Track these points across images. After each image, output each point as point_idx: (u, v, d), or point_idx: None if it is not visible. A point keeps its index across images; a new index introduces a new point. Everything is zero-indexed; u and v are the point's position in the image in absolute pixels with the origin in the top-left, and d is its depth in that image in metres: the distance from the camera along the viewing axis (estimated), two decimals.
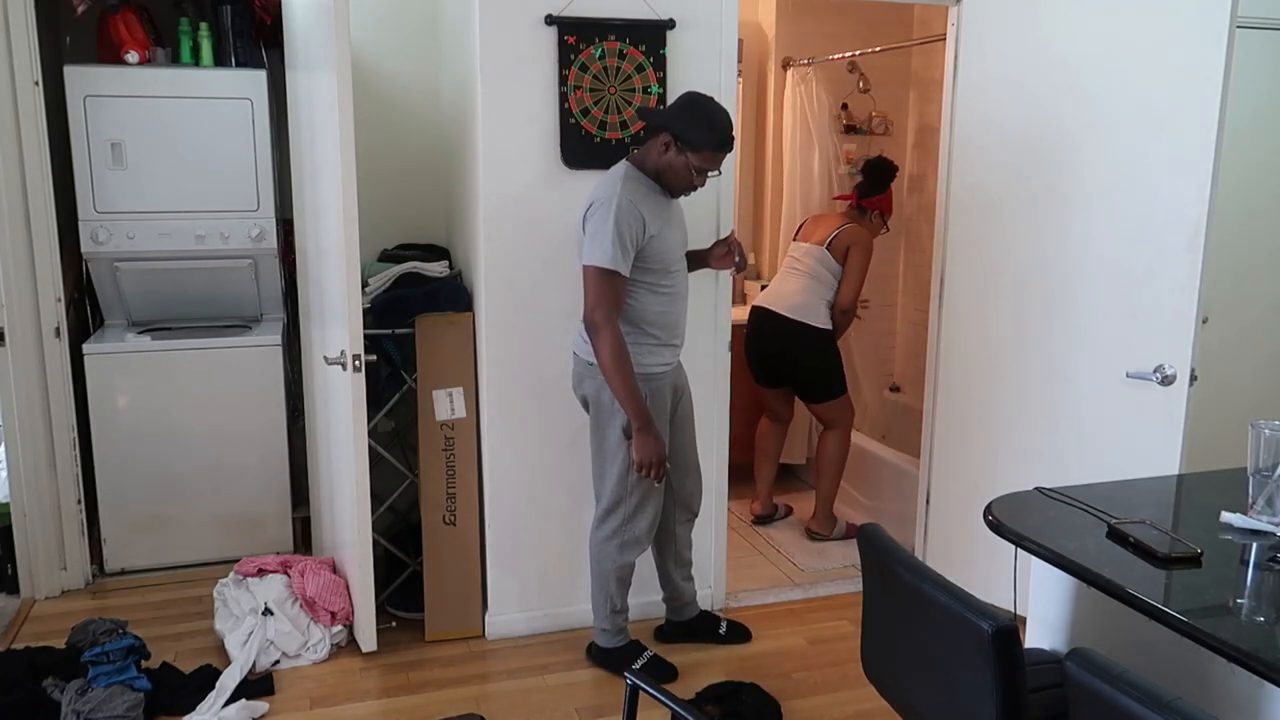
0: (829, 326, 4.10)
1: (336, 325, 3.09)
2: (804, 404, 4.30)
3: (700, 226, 3.32)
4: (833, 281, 4.10)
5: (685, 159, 2.81)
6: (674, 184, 2.89)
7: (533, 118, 3.12)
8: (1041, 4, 3.20)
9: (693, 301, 3.35)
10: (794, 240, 4.29)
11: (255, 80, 3.75)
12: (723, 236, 3.25)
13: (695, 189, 2.92)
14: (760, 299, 4.27)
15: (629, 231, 2.76)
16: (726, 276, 3.41)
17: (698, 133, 2.79)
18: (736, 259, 3.17)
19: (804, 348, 4.10)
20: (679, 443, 3.14)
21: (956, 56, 3.50)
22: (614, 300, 2.78)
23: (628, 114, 3.18)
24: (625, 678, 1.92)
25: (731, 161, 3.33)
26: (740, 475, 4.50)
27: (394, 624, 3.41)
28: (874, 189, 4.16)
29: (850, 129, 5.07)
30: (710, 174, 2.88)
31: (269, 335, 3.83)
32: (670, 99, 3.21)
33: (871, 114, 5.07)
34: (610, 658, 3.15)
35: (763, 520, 4.44)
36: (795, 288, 4.13)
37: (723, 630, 3.38)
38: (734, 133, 2.89)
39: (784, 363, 4.20)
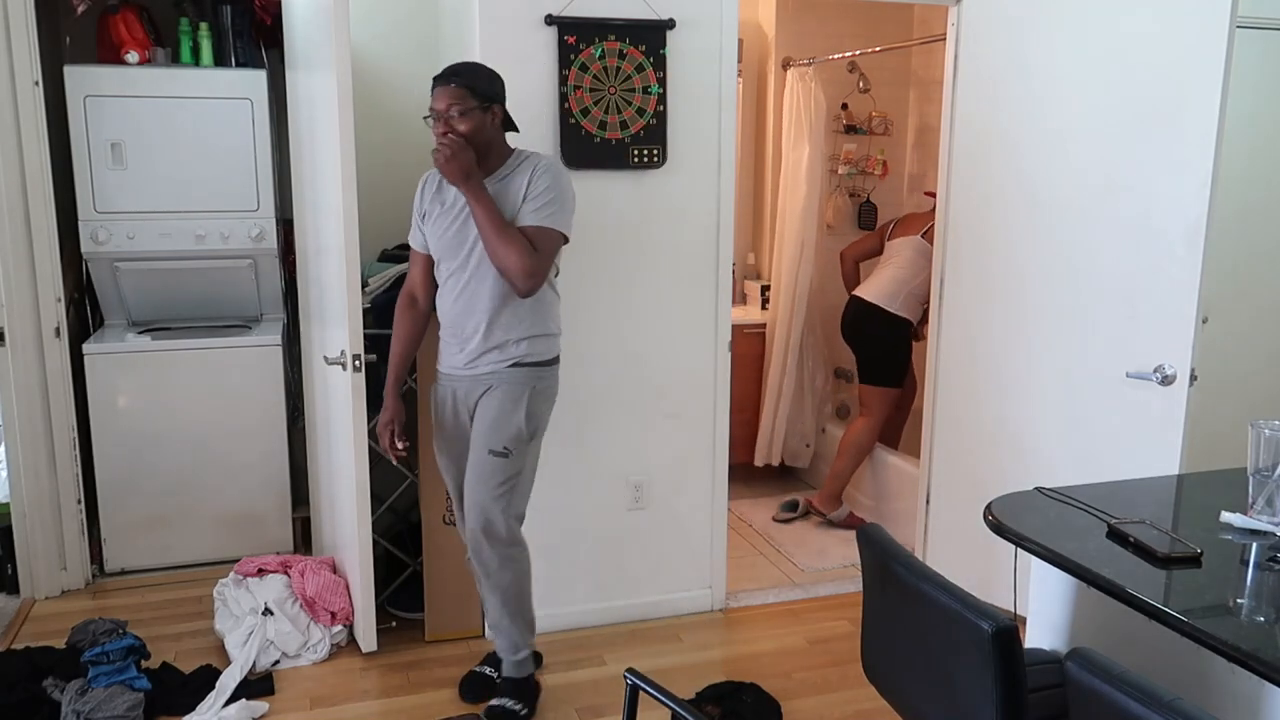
0: (905, 315, 4.25)
1: (336, 325, 3.09)
2: (859, 381, 4.48)
3: (700, 226, 3.34)
4: (927, 267, 4.15)
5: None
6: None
7: (533, 118, 3.12)
8: (1041, 4, 3.20)
9: (692, 301, 3.36)
10: (887, 240, 4.44)
11: (255, 80, 3.75)
12: None
13: (439, 146, 2.63)
14: (857, 290, 4.44)
15: (415, 202, 2.90)
16: (726, 278, 3.40)
17: None
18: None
19: (875, 329, 4.28)
20: (456, 464, 2.92)
21: (956, 56, 3.50)
22: (411, 271, 2.94)
23: (628, 114, 3.18)
24: (625, 678, 1.93)
25: (731, 161, 3.34)
26: (740, 475, 4.51)
27: (394, 624, 3.41)
28: None
29: (850, 129, 5.07)
30: (430, 118, 2.68)
31: (269, 335, 3.83)
32: (670, 99, 3.22)
33: (871, 114, 5.07)
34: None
35: (791, 506, 4.55)
36: (884, 278, 4.34)
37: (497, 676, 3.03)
38: (448, 67, 2.71)
39: (860, 345, 4.40)
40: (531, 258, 2.62)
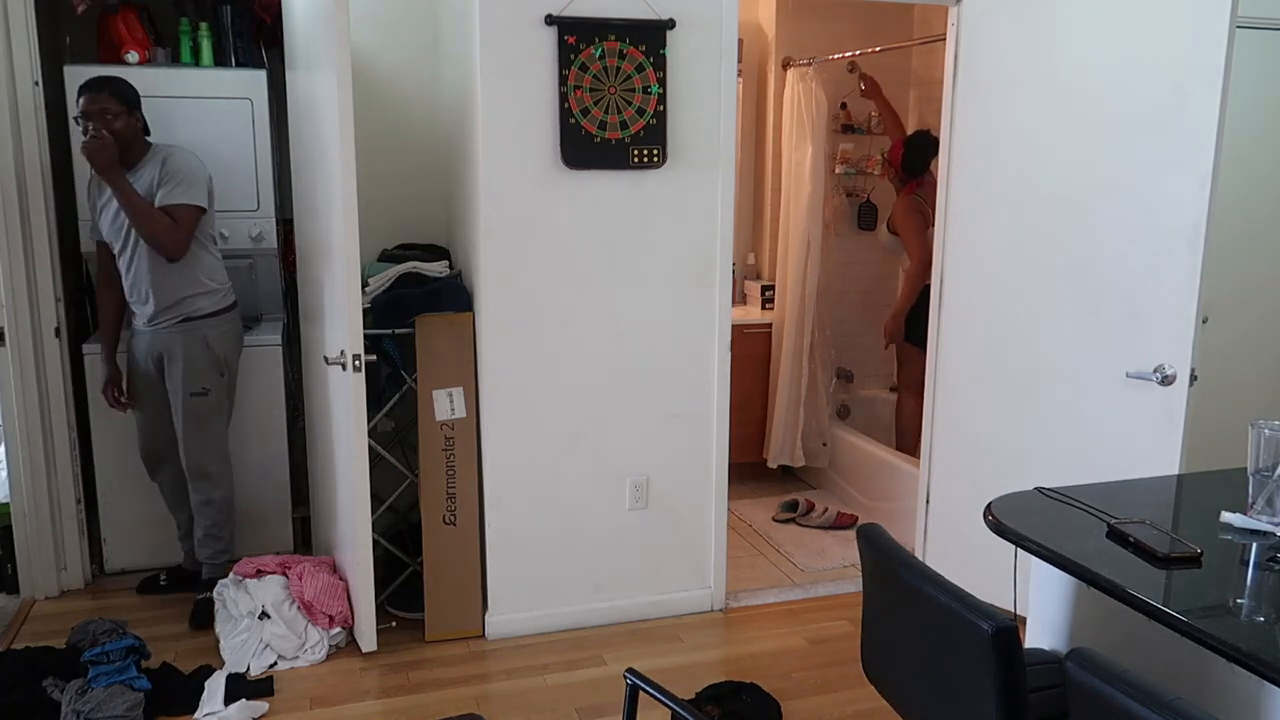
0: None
1: (336, 325, 3.09)
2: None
3: (700, 226, 3.34)
4: (900, 250, 4.64)
5: None
6: None
7: (533, 118, 3.12)
8: (1041, 4, 3.20)
9: (692, 301, 3.36)
10: (930, 228, 4.41)
11: (255, 80, 3.75)
12: None
13: (87, 140, 3.12)
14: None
15: (87, 200, 3.44)
16: (726, 278, 3.41)
17: None
18: None
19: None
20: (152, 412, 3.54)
21: (956, 56, 3.50)
22: (100, 255, 3.47)
23: (628, 114, 3.18)
24: (625, 678, 1.93)
25: (731, 161, 3.35)
26: (740, 475, 4.51)
27: (394, 624, 3.41)
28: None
29: (849, 129, 5.07)
30: (79, 119, 3.17)
31: (269, 335, 3.83)
32: (670, 99, 3.22)
33: (871, 114, 5.07)
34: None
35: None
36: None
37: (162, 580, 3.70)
38: (98, 77, 3.21)
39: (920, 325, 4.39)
40: (170, 229, 3.19)
